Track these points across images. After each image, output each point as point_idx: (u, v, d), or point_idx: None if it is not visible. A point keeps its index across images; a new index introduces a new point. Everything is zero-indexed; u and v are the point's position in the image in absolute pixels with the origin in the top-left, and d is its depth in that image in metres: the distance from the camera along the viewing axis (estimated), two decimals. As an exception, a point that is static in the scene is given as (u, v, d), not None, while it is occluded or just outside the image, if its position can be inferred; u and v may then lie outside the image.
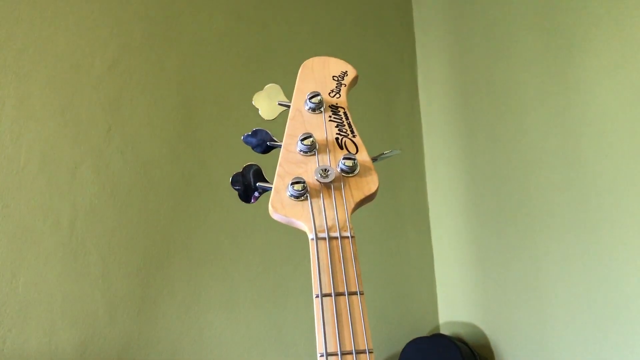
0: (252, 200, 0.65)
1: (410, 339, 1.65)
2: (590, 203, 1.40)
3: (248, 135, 0.68)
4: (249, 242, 1.50)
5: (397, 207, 1.82)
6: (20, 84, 1.27)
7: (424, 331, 1.75)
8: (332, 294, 0.58)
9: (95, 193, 1.31)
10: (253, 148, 0.68)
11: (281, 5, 1.73)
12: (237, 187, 0.65)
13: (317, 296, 0.58)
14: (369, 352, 0.57)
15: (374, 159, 0.68)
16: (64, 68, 1.33)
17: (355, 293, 0.59)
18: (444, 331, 1.77)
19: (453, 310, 1.78)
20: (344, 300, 0.58)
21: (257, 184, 0.65)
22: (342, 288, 0.59)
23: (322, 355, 0.56)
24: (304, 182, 0.62)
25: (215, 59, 1.56)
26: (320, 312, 0.57)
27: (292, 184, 0.62)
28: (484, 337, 1.66)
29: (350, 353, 0.56)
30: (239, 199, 0.65)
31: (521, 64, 1.61)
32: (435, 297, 1.82)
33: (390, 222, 1.79)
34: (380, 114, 1.86)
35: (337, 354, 0.56)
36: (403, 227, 1.81)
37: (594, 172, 1.40)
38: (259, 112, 0.69)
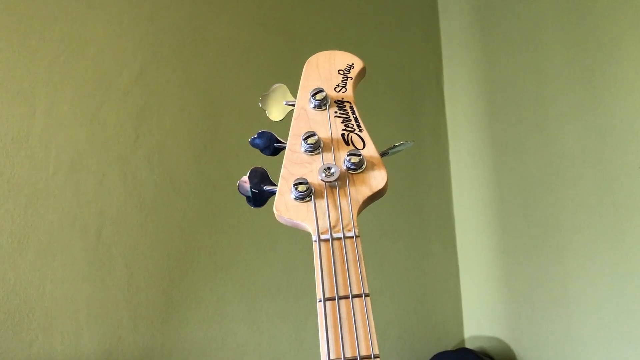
0: (263, 204, 0.63)
1: (435, 352, 1.63)
2: (621, 219, 1.36)
3: (254, 137, 0.65)
4: (272, 252, 1.49)
5: (423, 219, 1.79)
6: (51, 93, 1.30)
7: (449, 345, 1.72)
8: (336, 298, 0.55)
9: (121, 201, 1.33)
10: (262, 151, 0.65)
11: (307, 15, 1.74)
12: (245, 193, 0.63)
13: (319, 300, 0.55)
14: (375, 358, 0.53)
15: (382, 154, 0.63)
16: (93, 78, 1.36)
17: (359, 295, 0.56)
18: (469, 345, 1.73)
19: (478, 324, 1.74)
20: (347, 303, 0.55)
21: (263, 188, 0.63)
22: (346, 291, 0.56)
23: None
24: (307, 183, 0.60)
25: (241, 69, 1.57)
26: (323, 317, 0.54)
27: (295, 185, 0.60)
28: (510, 352, 1.62)
29: (354, 359, 0.53)
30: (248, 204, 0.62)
31: (551, 75, 1.58)
32: (460, 310, 1.79)
33: (416, 234, 1.77)
34: (405, 125, 1.85)
35: (339, 362, 0.52)
36: (428, 239, 1.79)
37: (626, 188, 1.35)
38: (266, 113, 0.68)
